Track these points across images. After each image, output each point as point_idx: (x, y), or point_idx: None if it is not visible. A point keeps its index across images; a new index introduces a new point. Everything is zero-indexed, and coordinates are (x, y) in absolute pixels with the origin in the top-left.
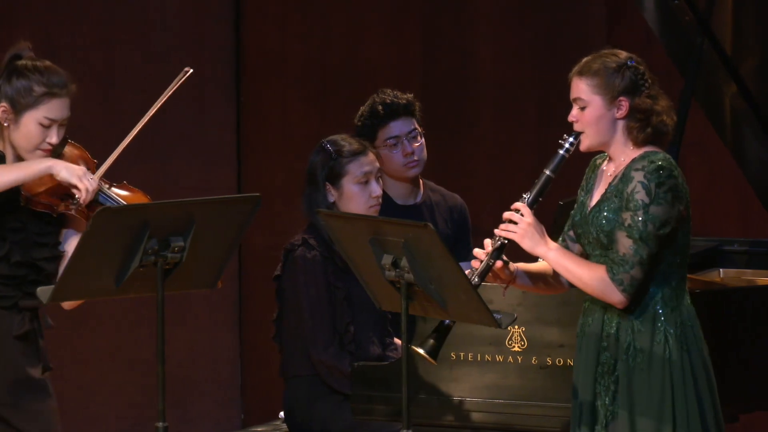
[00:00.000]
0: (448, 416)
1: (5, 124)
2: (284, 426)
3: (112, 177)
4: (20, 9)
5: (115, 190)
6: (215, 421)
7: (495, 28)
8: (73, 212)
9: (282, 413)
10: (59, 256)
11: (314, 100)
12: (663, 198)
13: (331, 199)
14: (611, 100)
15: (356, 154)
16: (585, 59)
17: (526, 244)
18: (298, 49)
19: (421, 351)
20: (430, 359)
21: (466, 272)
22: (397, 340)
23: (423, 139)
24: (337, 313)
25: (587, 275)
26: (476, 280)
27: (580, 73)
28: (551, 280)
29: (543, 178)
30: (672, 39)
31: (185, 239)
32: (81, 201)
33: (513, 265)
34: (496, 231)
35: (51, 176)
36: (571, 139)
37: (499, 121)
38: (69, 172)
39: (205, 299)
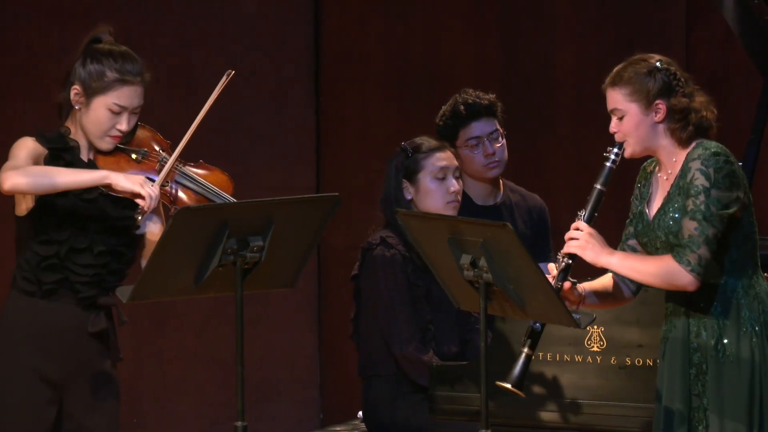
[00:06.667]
0: (527, 416)
1: (77, 107)
2: (363, 425)
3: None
4: (100, 10)
5: (191, 169)
6: (294, 421)
7: (574, 30)
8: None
9: (360, 413)
10: (137, 240)
11: (393, 100)
12: (722, 183)
13: (409, 196)
14: (647, 105)
15: (432, 149)
16: (615, 69)
17: (589, 256)
18: (377, 49)
19: (507, 385)
20: (518, 392)
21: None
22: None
23: (504, 140)
24: (418, 310)
25: (654, 267)
26: None
27: (613, 84)
28: (615, 293)
29: (595, 193)
30: (752, 38)
31: (264, 239)
32: (146, 209)
33: (580, 286)
34: (560, 253)
35: (128, 161)
36: (615, 150)
37: (579, 122)
38: (129, 181)
39: (284, 299)
